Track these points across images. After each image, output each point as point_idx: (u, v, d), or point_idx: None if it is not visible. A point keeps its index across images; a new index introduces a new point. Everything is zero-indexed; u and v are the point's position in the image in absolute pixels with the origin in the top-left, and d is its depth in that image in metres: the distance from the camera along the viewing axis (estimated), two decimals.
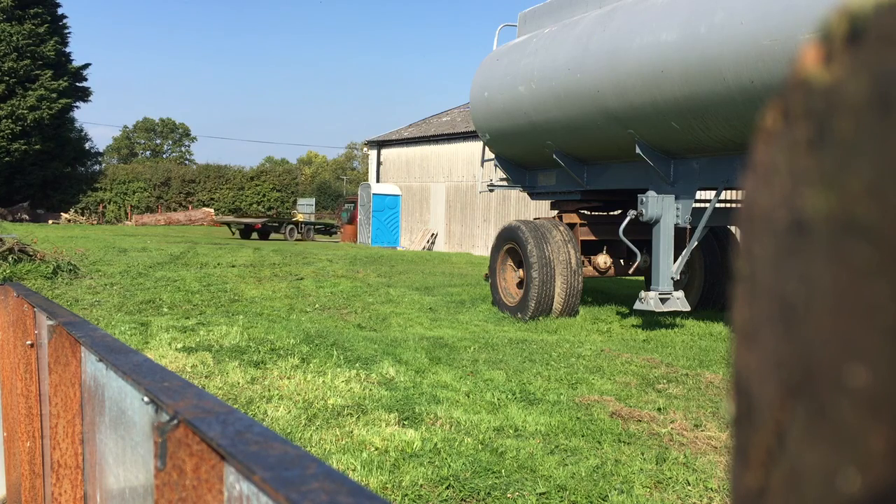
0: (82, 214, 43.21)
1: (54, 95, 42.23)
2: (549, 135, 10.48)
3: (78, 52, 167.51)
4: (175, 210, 45.68)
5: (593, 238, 10.91)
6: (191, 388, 1.18)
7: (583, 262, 10.67)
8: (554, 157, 10.64)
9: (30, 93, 41.52)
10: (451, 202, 28.50)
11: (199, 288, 12.03)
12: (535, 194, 12.22)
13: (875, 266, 0.25)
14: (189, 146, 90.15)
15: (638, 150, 9.12)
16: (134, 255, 17.23)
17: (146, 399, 1.25)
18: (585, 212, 11.35)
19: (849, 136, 0.26)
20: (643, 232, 9.46)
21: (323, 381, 5.93)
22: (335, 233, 33.97)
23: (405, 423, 4.97)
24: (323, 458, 4.22)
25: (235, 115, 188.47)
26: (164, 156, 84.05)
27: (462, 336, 8.66)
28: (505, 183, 12.63)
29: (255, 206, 46.95)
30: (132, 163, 61.15)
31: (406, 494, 3.78)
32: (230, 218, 34.22)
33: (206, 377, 6.03)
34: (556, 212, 11.57)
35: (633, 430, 4.96)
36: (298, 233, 32.05)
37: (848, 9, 0.26)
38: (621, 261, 11.19)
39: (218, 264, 15.87)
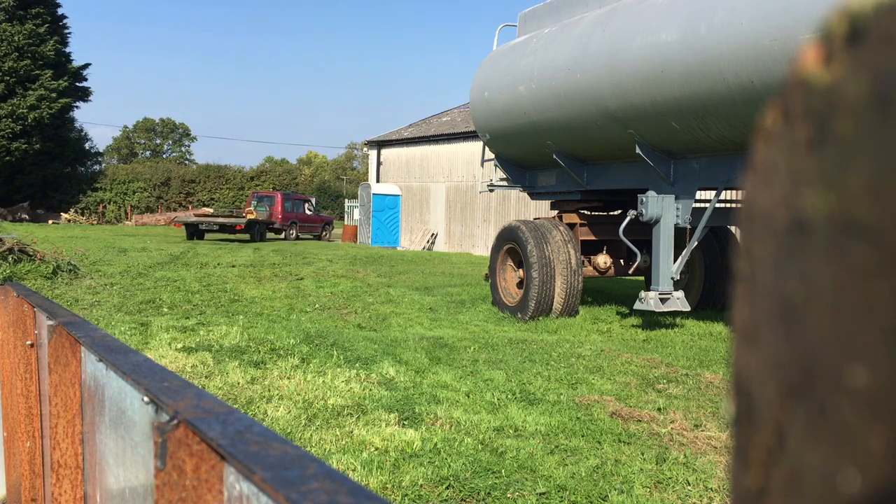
0: (82, 214, 43.22)
1: (54, 95, 42.24)
2: (549, 135, 10.48)
3: (78, 52, 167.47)
4: (175, 210, 45.68)
5: (593, 238, 10.92)
6: (191, 388, 1.18)
7: (583, 262, 10.67)
8: (554, 157, 10.64)
9: (30, 93, 41.53)
10: (451, 202, 28.49)
11: (199, 288, 12.04)
12: (535, 194, 12.22)
13: (875, 266, 0.25)
14: (189, 146, 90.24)
15: (638, 150, 9.12)
16: (134, 255, 17.23)
17: (146, 399, 1.25)
18: (585, 212, 11.35)
19: (849, 136, 0.26)
20: (643, 232, 9.46)
21: (323, 381, 5.93)
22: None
23: (405, 423, 4.97)
24: (323, 458, 4.22)
25: (235, 115, 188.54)
26: (164, 156, 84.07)
27: (462, 336, 8.65)
28: (505, 183, 12.63)
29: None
30: (132, 163, 61.17)
31: (406, 494, 3.78)
32: (194, 218, 28.29)
33: (206, 377, 6.03)
34: (556, 212, 11.57)
35: (633, 430, 4.96)
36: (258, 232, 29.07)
37: (848, 9, 0.26)
38: (621, 261, 11.19)
39: (218, 264, 15.87)
